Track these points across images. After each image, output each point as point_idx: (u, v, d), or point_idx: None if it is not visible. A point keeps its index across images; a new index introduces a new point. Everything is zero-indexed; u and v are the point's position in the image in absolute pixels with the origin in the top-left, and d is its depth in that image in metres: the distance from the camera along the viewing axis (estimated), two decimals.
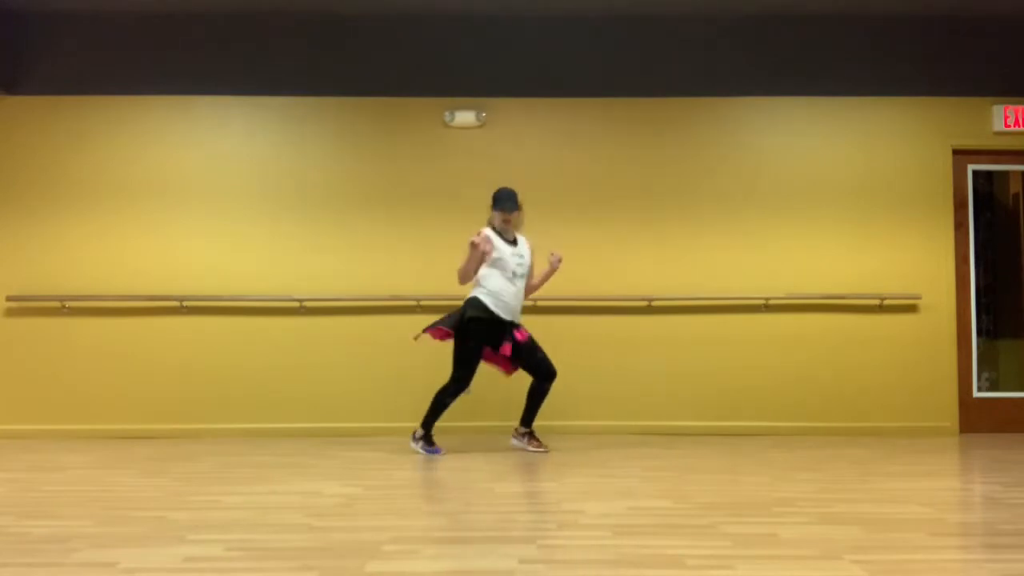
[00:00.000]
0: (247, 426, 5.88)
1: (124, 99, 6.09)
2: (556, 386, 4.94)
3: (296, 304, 5.99)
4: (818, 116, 6.16)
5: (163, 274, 5.98)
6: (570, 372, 5.43)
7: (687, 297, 6.00)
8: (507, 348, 4.75)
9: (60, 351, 5.93)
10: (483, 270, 4.80)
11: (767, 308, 6.04)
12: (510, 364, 4.95)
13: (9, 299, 5.93)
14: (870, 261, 6.06)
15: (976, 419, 6.05)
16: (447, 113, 6.07)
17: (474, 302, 4.77)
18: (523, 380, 4.96)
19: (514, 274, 4.81)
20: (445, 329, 4.78)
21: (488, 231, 4.85)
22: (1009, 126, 6.08)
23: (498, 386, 5.27)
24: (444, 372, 4.83)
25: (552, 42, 6.17)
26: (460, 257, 4.87)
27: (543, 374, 4.89)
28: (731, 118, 6.16)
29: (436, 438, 4.88)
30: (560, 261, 5.01)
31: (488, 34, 6.18)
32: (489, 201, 4.94)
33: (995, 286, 6.28)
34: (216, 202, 6.05)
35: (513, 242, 4.90)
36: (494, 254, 4.77)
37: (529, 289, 5.04)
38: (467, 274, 4.82)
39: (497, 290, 4.76)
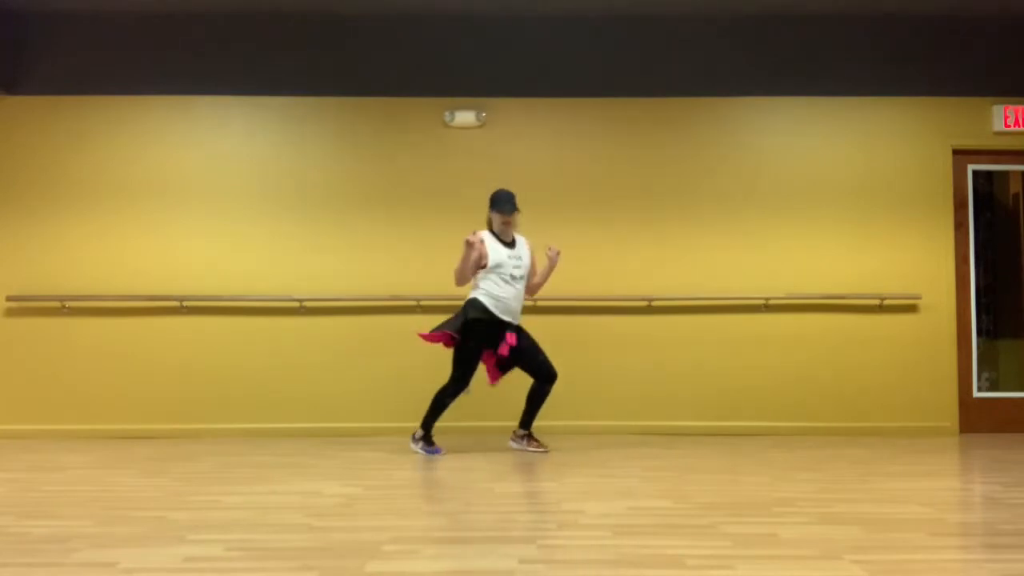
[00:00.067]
0: (247, 426, 5.88)
1: (124, 99, 6.10)
2: (556, 386, 4.94)
3: (296, 304, 5.99)
4: (818, 116, 6.16)
5: (163, 274, 5.98)
6: (570, 372, 5.43)
7: (687, 297, 6.00)
8: (504, 349, 4.75)
9: (60, 351, 5.93)
10: (481, 273, 4.79)
11: (767, 308, 6.04)
12: (498, 372, 4.94)
13: (9, 299, 5.93)
14: (870, 261, 6.06)
15: (976, 419, 6.05)
16: (447, 113, 6.07)
17: (474, 303, 4.77)
18: (524, 381, 4.96)
19: (512, 276, 4.80)
20: (450, 333, 4.75)
21: (484, 233, 4.84)
22: (1009, 126, 6.08)
23: (498, 387, 5.26)
24: (444, 372, 4.83)
25: (552, 42, 6.17)
26: (459, 258, 4.86)
27: (544, 376, 4.89)
28: (731, 118, 6.16)
29: (436, 438, 4.88)
30: (558, 254, 5.00)
31: (488, 34, 6.18)
32: (488, 202, 4.93)
33: (995, 286, 6.28)
34: (216, 202, 6.05)
35: (511, 244, 4.90)
36: (490, 263, 4.75)
37: (533, 288, 5.03)
38: (463, 275, 4.81)
39: (497, 292, 4.76)
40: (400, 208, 6.06)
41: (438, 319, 4.92)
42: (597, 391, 5.94)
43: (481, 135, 6.12)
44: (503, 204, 4.83)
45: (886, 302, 6.02)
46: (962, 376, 6.08)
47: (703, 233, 6.08)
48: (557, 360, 4.96)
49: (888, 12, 6.12)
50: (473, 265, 4.76)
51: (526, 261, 4.91)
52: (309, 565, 2.29)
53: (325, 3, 6.04)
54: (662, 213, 6.09)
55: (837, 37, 6.18)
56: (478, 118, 6.07)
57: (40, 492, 3.53)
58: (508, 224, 4.87)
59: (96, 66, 6.11)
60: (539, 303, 5.87)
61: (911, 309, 6.04)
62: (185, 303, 5.95)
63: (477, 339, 4.75)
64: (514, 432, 5.03)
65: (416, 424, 4.94)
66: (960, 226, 6.18)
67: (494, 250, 4.79)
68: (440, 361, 4.93)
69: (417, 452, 4.81)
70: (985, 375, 6.17)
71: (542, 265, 5.07)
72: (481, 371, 4.89)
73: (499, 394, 5.35)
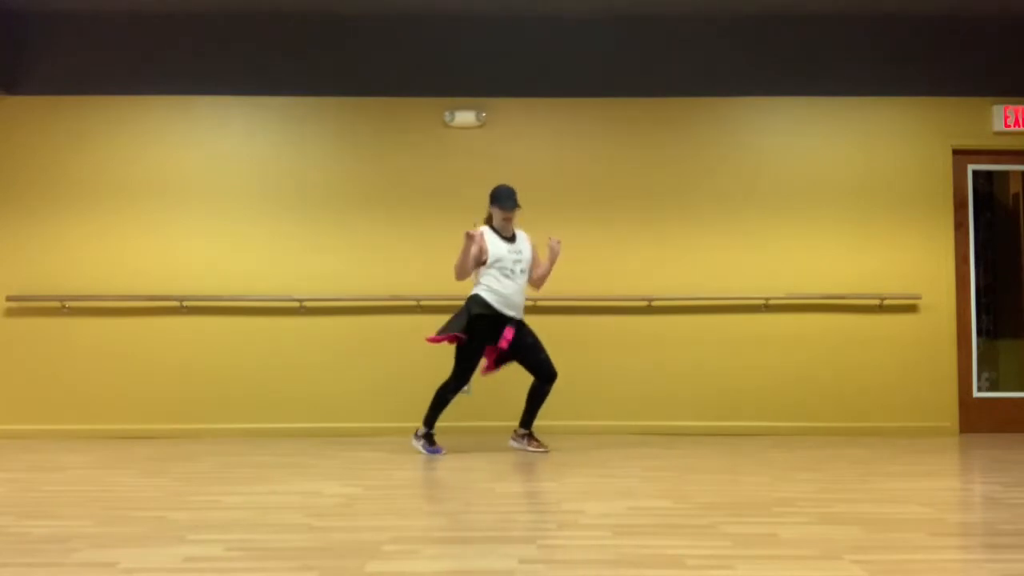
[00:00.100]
0: (247, 426, 5.88)
1: (124, 99, 6.10)
2: (556, 386, 4.94)
3: (296, 304, 5.99)
4: (818, 116, 6.16)
5: (163, 274, 5.98)
6: (570, 372, 5.43)
7: (687, 297, 6.00)
8: (503, 343, 4.74)
9: (60, 351, 5.93)
10: (482, 269, 4.80)
11: (767, 308, 6.04)
12: (495, 364, 4.94)
13: (9, 299, 5.93)
14: (870, 261, 6.06)
15: (976, 419, 6.05)
16: (447, 113, 6.07)
17: (476, 299, 4.77)
18: (524, 381, 4.96)
19: (513, 271, 4.80)
20: (458, 335, 4.74)
21: (484, 228, 4.85)
22: (1009, 126, 6.08)
23: (498, 386, 5.27)
24: (444, 371, 4.83)
25: (552, 42, 6.17)
26: (459, 252, 4.84)
27: (544, 375, 4.89)
28: (731, 118, 6.16)
29: (437, 438, 4.88)
30: (559, 243, 4.99)
31: (488, 34, 6.18)
32: (488, 199, 4.93)
33: (995, 286, 6.28)
34: (216, 202, 6.05)
35: (511, 239, 4.90)
36: (489, 258, 4.76)
37: (537, 280, 5.03)
38: (463, 268, 4.80)
39: (498, 287, 4.76)
40: (400, 208, 6.06)
41: (438, 319, 4.93)
42: (597, 391, 5.94)
43: (481, 135, 6.12)
44: (504, 200, 4.84)
45: (886, 302, 6.02)
46: (962, 376, 6.08)
47: (703, 233, 6.08)
48: (557, 360, 4.96)
49: (888, 12, 6.12)
50: (473, 259, 4.76)
51: (527, 255, 4.91)
52: (309, 565, 2.29)
53: (325, 3, 6.04)
54: (662, 213, 6.09)
55: (837, 37, 6.18)
56: (478, 118, 6.07)
57: (40, 492, 3.53)
58: (509, 220, 4.87)
59: (96, 66, 6.11)
60: (539, 303, 5.88)
61: (911, 309, 6.04)
62: (185, 303, 5.95)
63: (480, 336, 4.75)
64: (515, 431, 5.03)
65: (417, 423, 4.94)
66: (960, 226, 6.18)
67: (494, 245, 4.80)
68: (440, 361, 4.93)
69: (419, 451, 4.81)
70: (985, 375, 6.17)
71: (544, 257, 5.07)
72: (480, 368, 4.90)
73: (499, 394, 5.36)
